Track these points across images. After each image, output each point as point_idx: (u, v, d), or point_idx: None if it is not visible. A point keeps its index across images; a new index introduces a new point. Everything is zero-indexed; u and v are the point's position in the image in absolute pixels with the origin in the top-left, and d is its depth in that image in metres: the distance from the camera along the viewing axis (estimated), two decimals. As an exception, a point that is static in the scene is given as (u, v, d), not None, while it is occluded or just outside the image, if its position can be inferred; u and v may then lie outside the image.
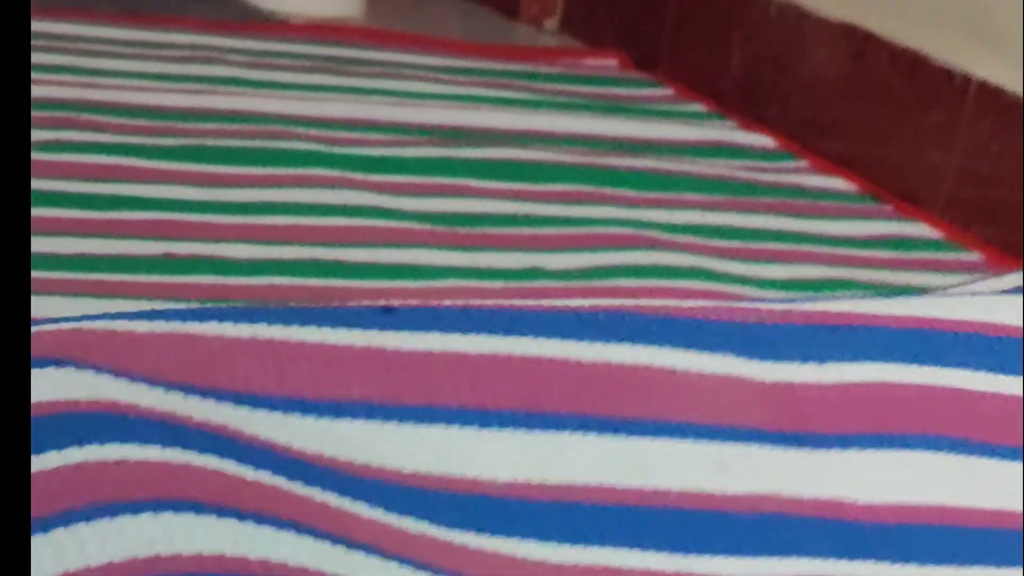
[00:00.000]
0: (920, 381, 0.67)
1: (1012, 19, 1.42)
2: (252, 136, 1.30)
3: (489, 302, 0.65)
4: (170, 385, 0.59)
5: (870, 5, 1.54)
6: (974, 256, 1.34)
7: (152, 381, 0.59)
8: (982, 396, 0.67)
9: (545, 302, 0.65)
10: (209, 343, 0.60)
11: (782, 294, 1.16)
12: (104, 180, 1.18)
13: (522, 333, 0.63)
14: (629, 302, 0.66)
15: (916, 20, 1.50)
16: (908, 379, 0.66)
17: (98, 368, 0.59)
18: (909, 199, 1.45)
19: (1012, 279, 0.76)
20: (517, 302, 0.65)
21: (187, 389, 0.60)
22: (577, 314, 0.64)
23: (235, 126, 1.32)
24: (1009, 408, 0.67)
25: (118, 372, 0.59)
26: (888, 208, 1.42)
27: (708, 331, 0.65)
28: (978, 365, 0.68)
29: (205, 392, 0.59)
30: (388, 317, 0.62)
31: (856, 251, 1.30)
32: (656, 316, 0.65)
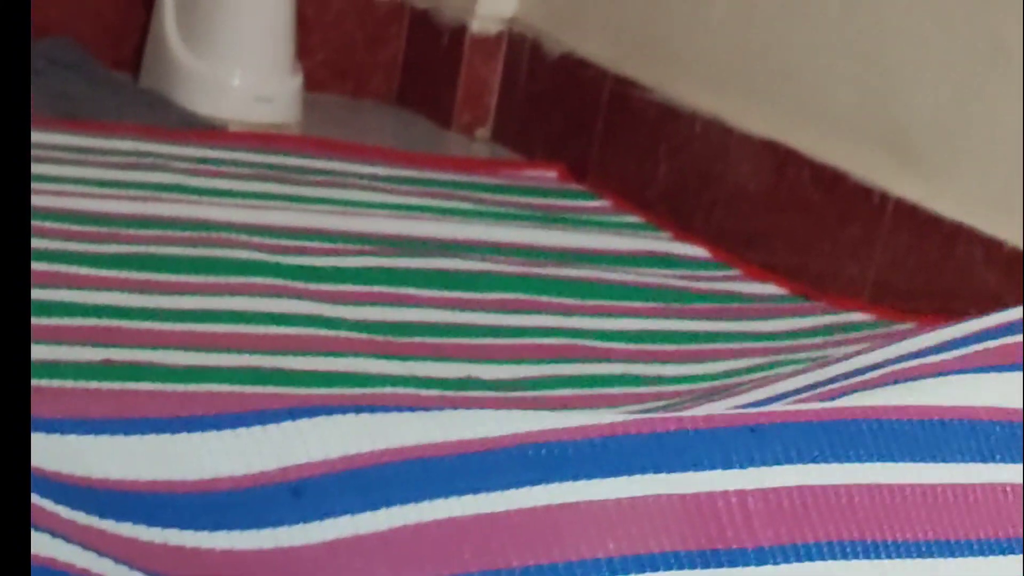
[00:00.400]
0: (837, 481, 0.63)
1: (928, 139, 1.42)
2: (194, 244, 1.26)
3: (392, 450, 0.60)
4: (101, 553, 0.59)
5: (792, 122, 1.54)
6: None
7: (85, 546, 0.59)
8: (900, 489, 0.63)
9: (441, 444, 0.61)
10: (125, 543, 0.60)
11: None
12: (44, 287, 1.14)
13: (429, 497, 0.59)
14: (546, 428, 0.62)
15: (836, 138, 1.50)
16: (826, 480, 0.63)
17: (36, 527, 0.58)
18: (828, 310, 1.44)
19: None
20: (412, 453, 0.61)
21: (115, 559, 0.59)
22: (482, 456, 0.60)
23: (177, 233, 1.28)
24: (925, 498, 0.63)
25: (55, 533, 0.59)
26: (821, 304, 1.40)
27: (624, 451, 0.61)
28: (899, 456, 0.64)
29: (131, 565, 0.59)
30: (297, 501, 0.60)
31: (792, 341, 1.28)
32: (569, 442, 0.61)
